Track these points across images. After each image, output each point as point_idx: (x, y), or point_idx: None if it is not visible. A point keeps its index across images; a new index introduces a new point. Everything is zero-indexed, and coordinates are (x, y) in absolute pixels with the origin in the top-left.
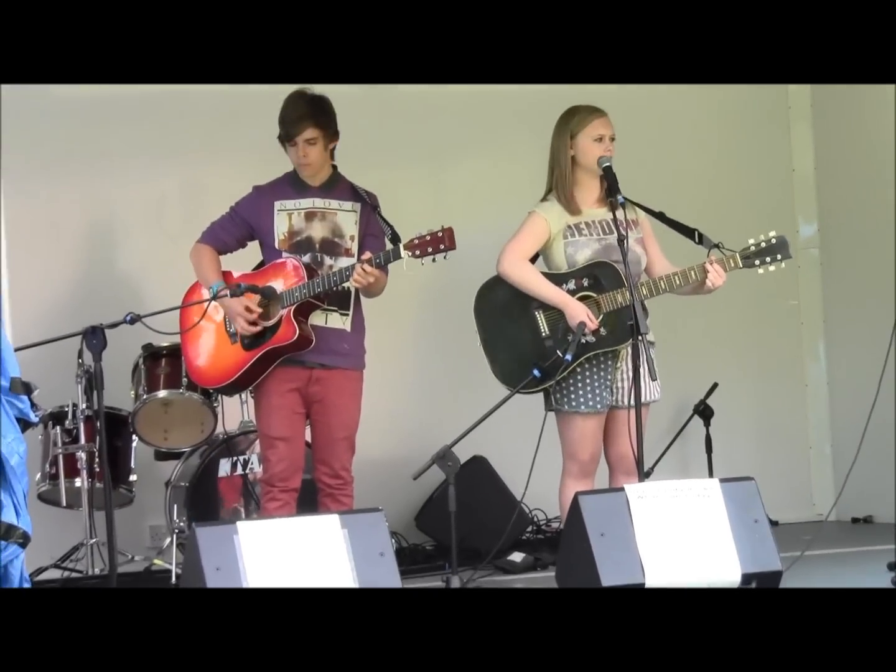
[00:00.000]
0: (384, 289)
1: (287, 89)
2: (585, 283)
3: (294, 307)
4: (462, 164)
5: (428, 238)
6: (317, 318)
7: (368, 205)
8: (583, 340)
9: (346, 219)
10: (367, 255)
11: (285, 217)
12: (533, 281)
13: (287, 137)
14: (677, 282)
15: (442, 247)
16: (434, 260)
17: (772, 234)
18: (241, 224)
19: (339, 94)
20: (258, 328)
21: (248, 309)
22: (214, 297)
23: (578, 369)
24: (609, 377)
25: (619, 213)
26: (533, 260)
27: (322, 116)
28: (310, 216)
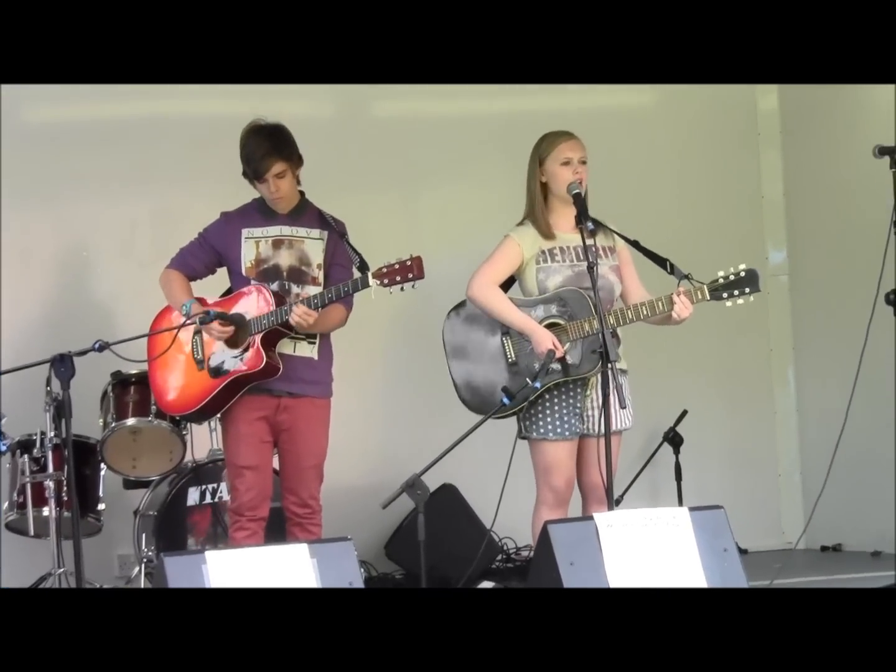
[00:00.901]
0: (343, 322)
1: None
2: (554, 309)
3: (262, 335)
4: (434, 190)
5: (396, 267)
6: (285, 347)
7: (336, 232)
8: (552, 368)
9: (314, 247)
10: (306, 296)
11: (253, 245)
12: (500, 306)
13: (255, 176)
14: (644, 312)
15: (410, 275)
16: (402, 289)
17: (742, 266)
18: (210, 251)
19: (310, 120)
20: (231, 331)
21: (221, 323)
22: (186, 324)
23: (546, 396)
24: (578, 405)
25: (590, 240)
26: (509, 284)
27: (286, 148)
28: (277, 244)
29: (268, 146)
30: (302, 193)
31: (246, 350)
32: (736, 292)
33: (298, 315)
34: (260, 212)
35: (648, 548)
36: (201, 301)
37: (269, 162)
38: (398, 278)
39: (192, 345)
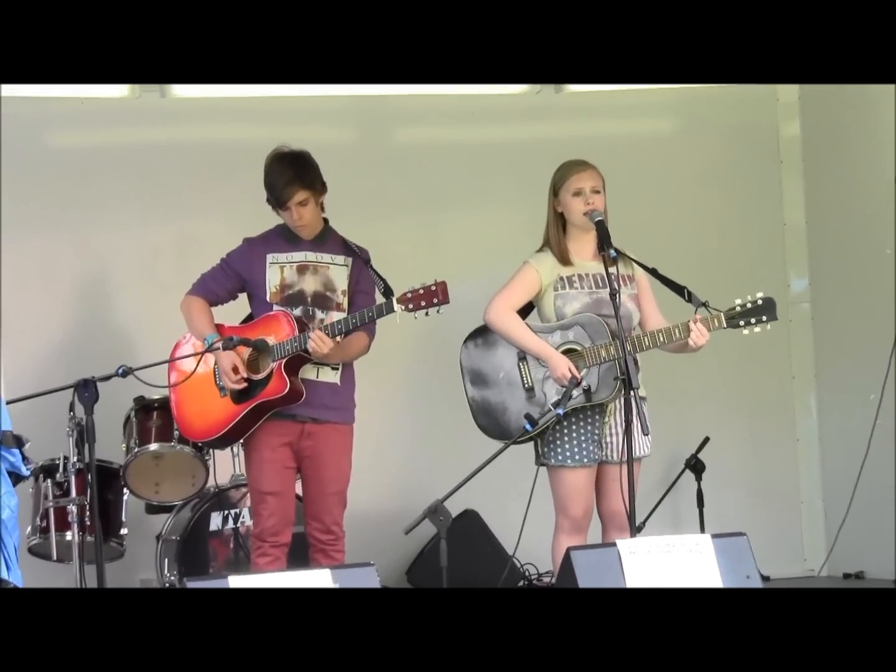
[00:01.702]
0: (366, 350)
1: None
2: (571, 335)
3: (285, 360)
4: (455, 216)
5: (421, 292)
6: (308, 372)
7: (360, 259)
8: (574, 395)
9: (338, 273)
10: (325, 323)
11: (277, 270)
12: (517, 331)
13: (278, 204)
14: (661, 339)
15: (435, 300)
16: (427, 314)
17: (759, 294)
18: (233, 276)
19: (332, 146)
20: (243, 385)
21: (234, 369)
22: (209, 349)
23: (565, 423)
24: (597, 431)
25: (612, 268)
26: (528, 310)
27: (308, 175)
28: (302, 269)
29: (290, 174)
30: (326, 221)
31: (269, 376)
32: (753, 320)
33: (314, 341)
34: (284, 237)
35: (671, 574)
36: (219, 327)
37: (291, 190)
38: (423, 303)
39: (215, 371)
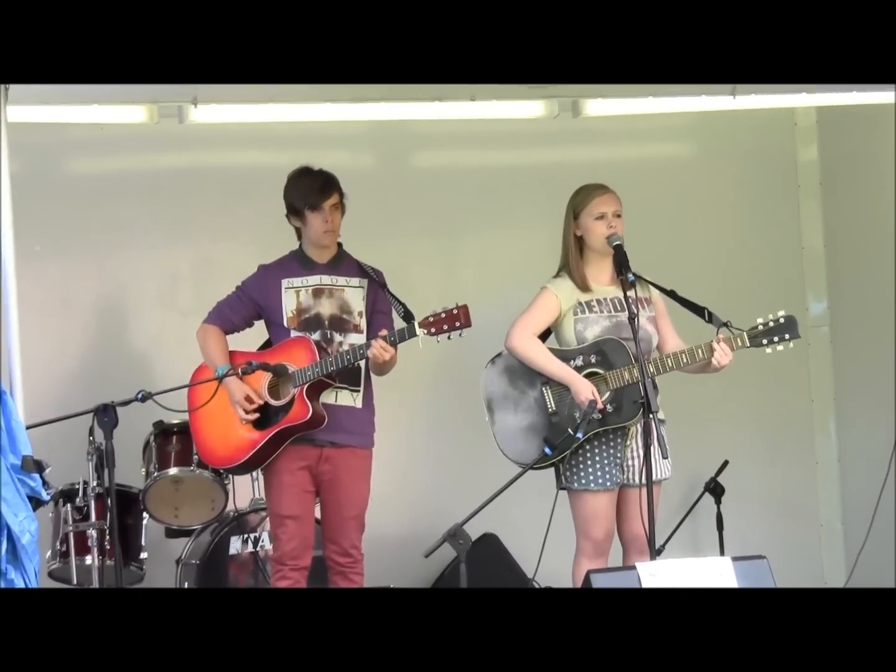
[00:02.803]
0: (393, 367)
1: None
2: (593, 359)
3: (307, 385)
4: (473, 240)
5: (443, 315)
6: (327, 396)
7: (375, 281)
8: (594, 417)
9: (354, 295)
10: (383, 332)
11: (293, 295)
12: (540, 356)
13: (313, 206)
14: (684, 360)
15: (457, 324)
16: (449, 337)
17: (780, 313)
18: (249, 303)
19: (350, 170)
20: (254, 416)
21: (248, 399)
22: (221, 379)
23: (587, 446)
24: (619, 455)
25: (631, 292)
26: (546, 335)
27: (338, 185)
28: (318, 293)
29: (324, 179)
30: (340, 245)
31: (291, 401)
32: (776, 339)
33: (376, 348)
34: (299, 262)
35: None
36: (234, 354)
37: (328, 191)
38: (445, 327)
39: (232, 404)
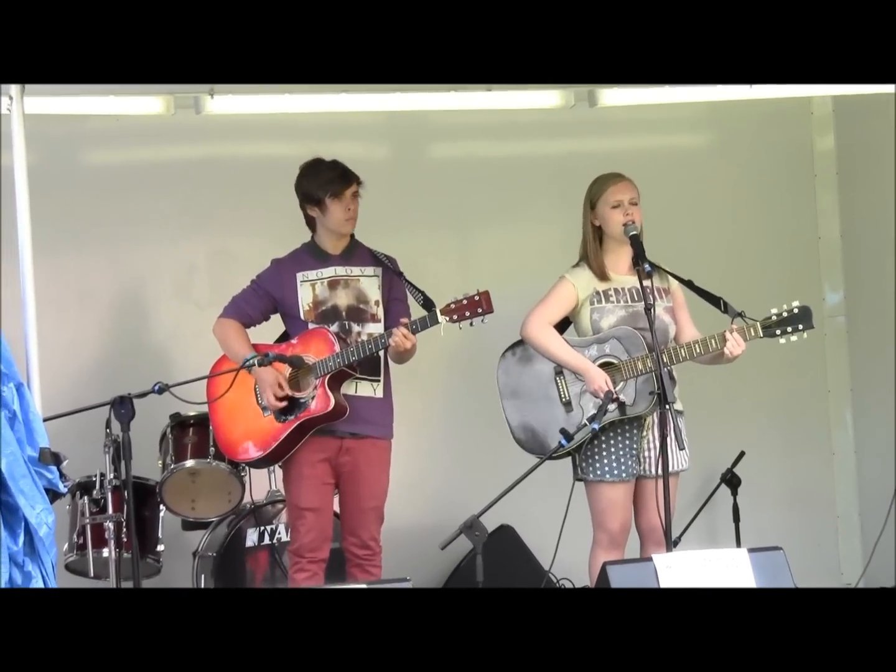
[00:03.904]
0: (414, 355)
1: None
2: (607, 349)
3: (328, 376)
4: (489, 231)
5: (465, 302)
6: (347, 387)
7: (389, 269)
8: (610, 409)
9: (369, 284)
10: (404, 319)
11: (309, 287)
12: (554, 346)
13: (335, 194)
14: (697, 350)
15: (480, 310)
16: (472, 324)
17: (795, 303)
18: (265, 297)
19: (365, 161)
20: (284, 403)
21: (279, 385)
22: (244, 366)
23: (603, 437)
24: (635, 446)
25: (647, 282)
26: (564, 325)
27: (355, 173)
28: (333, 284)
29: (342, 168)
30: (352, 235)
31: (312, 393)
32: (789, 329)
33: (398, 336)
34: (312, 255)
35: None
36: (255, 347)
37: (349, 179)
38: (467, 313)
39: (256, 391)
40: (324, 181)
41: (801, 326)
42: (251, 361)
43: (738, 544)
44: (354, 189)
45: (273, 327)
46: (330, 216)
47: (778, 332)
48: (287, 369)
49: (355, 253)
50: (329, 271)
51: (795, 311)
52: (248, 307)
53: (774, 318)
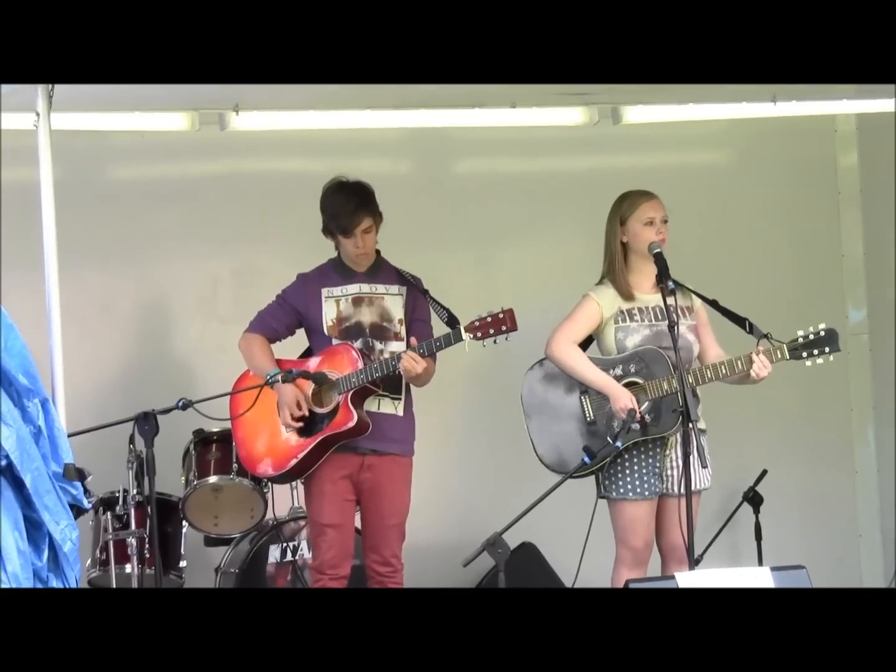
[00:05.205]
0: (432, 377)
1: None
2: (632, 368)
3: (351, 392)
4: (512, 248)
5: (489, 320)
6: (370, 404)
7: (414, 288)
8: (633, 428)
9: (394, 303)
10: (412, 341)
11: (333, 304)
12: (579, 365)
13: (344, 231)
14: (724, 371)
15: (504, 328)
16: (496, 342)
17: (821, 325)
18: (290, 311)
19: (388, 177)
20: (300, 424)
21: (297, 404)
22: (267, 383)
23: (626, 455)
24: (658, 464)
25: (671, 299)
26: (586, 343)
27: (371, 204)
28: (357, 301)
29: (356, 201)
30: (378, 252)
31: (335, 409)
32: (815, 351)
33: (407, 360)
34: (337, 271)
35: None
36: (279, 362)
37: (358, 217)
38: (491, 331)
39: (279, 407)
40: (334, 214)
41: (827, 349)
42: (274, 378)
43: (761, 563)
44: (367, 226)
45: (297, 343)
46: (343, 249)
47: (804, 354)
48: (311, 385)
49: (381, 271)
50: (353, 288)
51: (822, 333)
52: (274, 322)
53: (801, 340)
